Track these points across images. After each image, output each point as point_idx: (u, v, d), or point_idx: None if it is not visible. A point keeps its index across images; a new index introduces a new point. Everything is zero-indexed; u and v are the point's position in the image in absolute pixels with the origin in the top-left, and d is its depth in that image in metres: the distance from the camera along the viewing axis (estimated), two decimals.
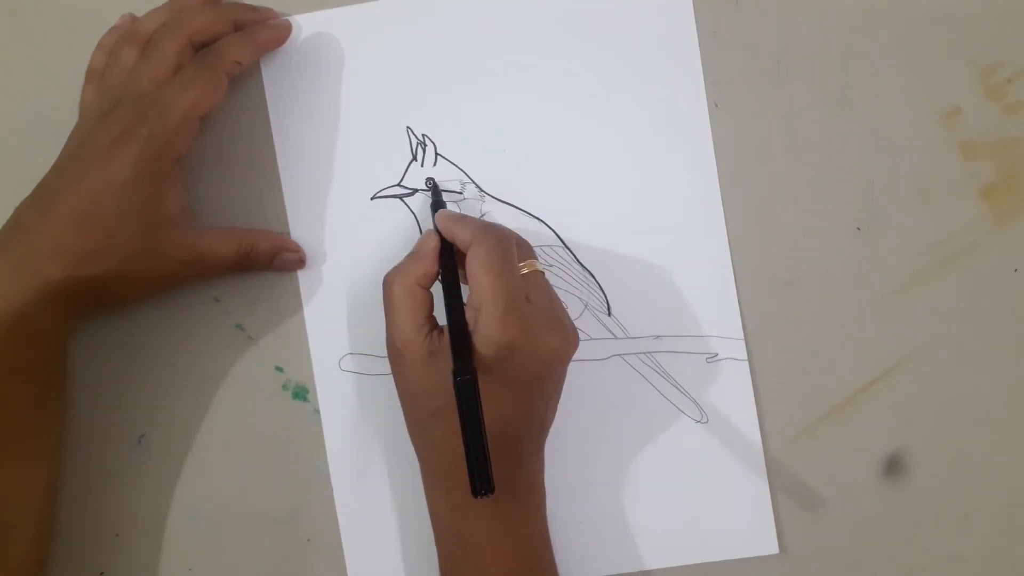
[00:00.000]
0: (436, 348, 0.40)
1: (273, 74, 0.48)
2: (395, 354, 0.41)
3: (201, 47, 0.44)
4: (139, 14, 0.47)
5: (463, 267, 0.42)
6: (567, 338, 0.41)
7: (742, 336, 0.47)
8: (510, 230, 0.42)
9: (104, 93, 0.45)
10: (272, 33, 0.46)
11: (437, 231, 0.43)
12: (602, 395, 0.47)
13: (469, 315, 0.39)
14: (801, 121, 0.47)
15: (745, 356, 0.47)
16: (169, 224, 0.43)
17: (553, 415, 0.43)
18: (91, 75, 0.46)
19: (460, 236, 0.41)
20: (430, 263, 0.42)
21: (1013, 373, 0.47)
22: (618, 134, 0.48)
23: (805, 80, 0.47)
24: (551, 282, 0.43)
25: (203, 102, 0.43)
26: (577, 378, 0.44)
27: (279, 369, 0.48)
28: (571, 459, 0.47)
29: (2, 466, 0.42)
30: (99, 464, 0.47)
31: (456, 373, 0.36)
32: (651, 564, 0.47)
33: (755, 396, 0.47)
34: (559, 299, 0.42)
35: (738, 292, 0.47)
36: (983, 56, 0.47)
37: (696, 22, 0.47)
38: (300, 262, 0.47)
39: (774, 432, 0.47)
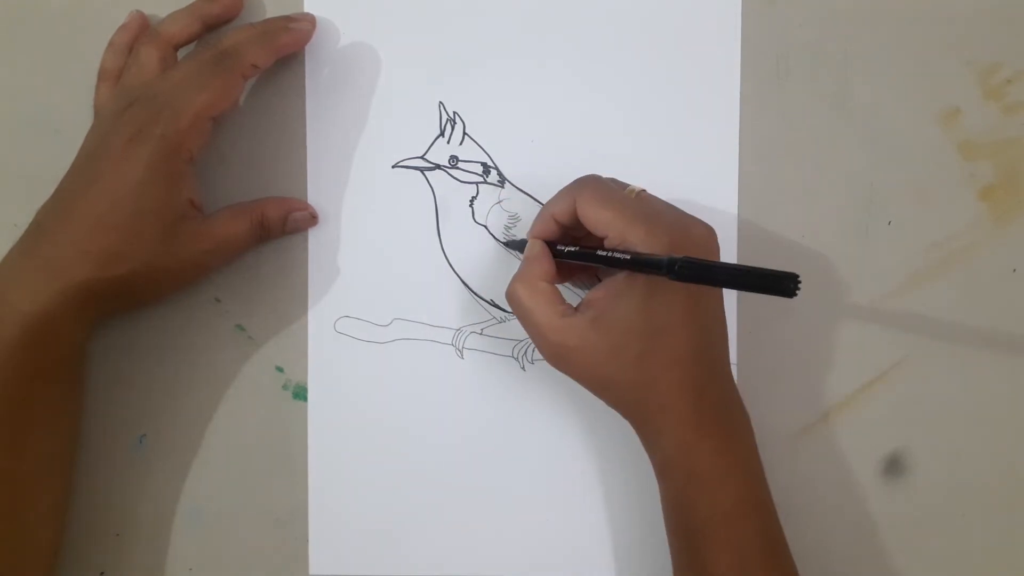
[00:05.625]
0: (594, 315, 0.40)
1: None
2: (557, 351, 0.41)
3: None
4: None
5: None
6: (707, 225, 0.41)
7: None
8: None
9: (120, 92, 0.44)
10: (292, 37, 0.45)
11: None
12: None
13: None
14: (801, 121, 0.47)
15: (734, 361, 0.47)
16: (186, 219, 0.43)
17: (725, 328, 0.43)
18: (103, 75, 0.46)
19: (559, 207, 0.42)
20: (546, 261, 0.42)
21: (1013, 373, 0.47)
22: (643, 141, 0.47)
23: (805, 80, 0.47)
24: None
25: (216, 104, 0.43)
26: (574, 383, 0.44)
27: (279, 369, 0.48)
28: (569, 464, 0.47)
29: (23, 467, 0.42)
30: (99, 464, 0.47)
31: (667, 269, 0.36)
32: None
33: (755, 396, 0.47)
34: None
35: (738, 292, 0.47)
36: (983, 56, 0.47)
37: None
38: (312, 219, 0.47)
39: (774, 432, 0.47)
